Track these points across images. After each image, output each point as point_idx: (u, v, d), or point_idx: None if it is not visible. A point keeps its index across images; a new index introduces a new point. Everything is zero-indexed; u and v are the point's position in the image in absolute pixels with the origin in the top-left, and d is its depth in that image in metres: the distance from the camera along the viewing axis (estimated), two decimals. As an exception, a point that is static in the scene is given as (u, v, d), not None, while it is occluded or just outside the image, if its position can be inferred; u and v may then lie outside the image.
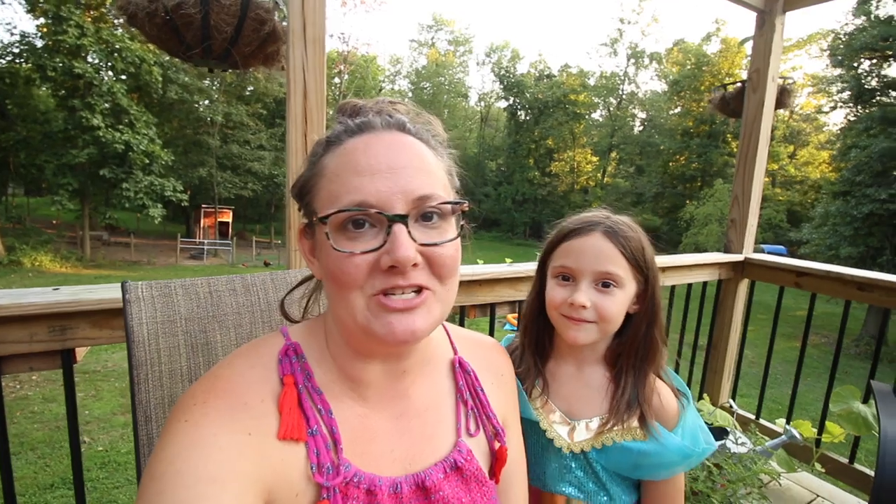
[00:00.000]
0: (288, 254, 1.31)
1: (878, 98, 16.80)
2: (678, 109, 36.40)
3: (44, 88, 21.00)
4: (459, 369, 0.76)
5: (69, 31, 18.01)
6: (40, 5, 18.14)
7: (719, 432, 1.63)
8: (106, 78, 19.96)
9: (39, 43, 19.33)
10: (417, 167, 0.59)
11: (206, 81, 26.00)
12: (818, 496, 1.89)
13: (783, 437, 1.75)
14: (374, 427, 0.65)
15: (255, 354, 0.63)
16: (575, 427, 0.92)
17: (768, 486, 1.72)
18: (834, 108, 21.52)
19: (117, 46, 19.61)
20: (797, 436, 1.72)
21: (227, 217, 29.02)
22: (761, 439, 1.65)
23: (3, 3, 21.30)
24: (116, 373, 7.97)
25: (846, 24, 17.88)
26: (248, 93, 29.44)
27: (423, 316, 0.58)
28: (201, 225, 28.13)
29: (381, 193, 0.56)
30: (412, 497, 0.62)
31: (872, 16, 16.67)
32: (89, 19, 18.73)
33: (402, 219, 0.56)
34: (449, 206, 0.61)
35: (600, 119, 44.60)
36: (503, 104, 45.71)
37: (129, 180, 20.36)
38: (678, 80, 35.11)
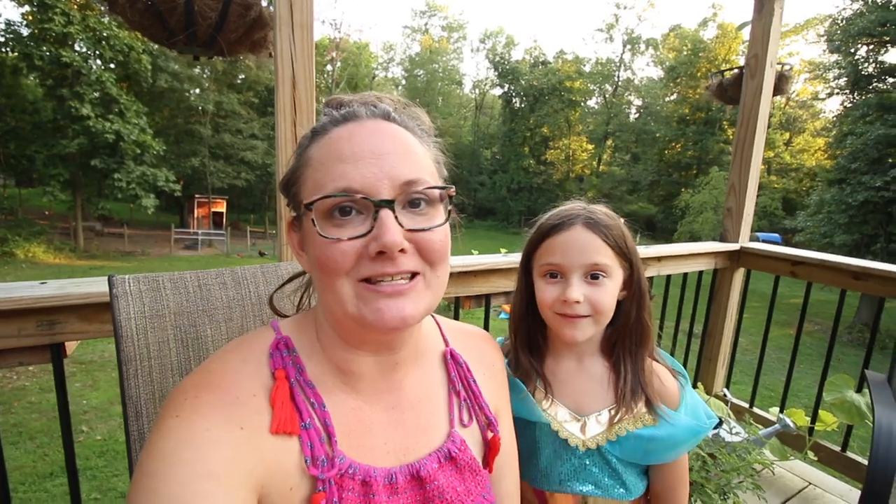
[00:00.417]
0: (279, 246, 1.29)
1: (874, 84, 16.78)
2: (674, 96, 36.31)
3: (31, 78, 20.63)
4: (451, 361, 0.77)
5: (55, 19, 17.69)
6: (25, -8, 17.77)
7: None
8: (94, 67, 19.68)
9: (25, 31, 18.98)
10: (402, 153, 0.59)
11: (197, 70, 25.66)
12: (810, 484, 1.92)
13: (776, 425, 1.76)
14: (367, 419, 0.65)
15: (247, 349, 0.63)
16: (585, 423, 0.91)
17: (761, 475, 1.74)
18: (830, 94, 21.53)
19: (105, 34, 19.30)
20: (790, 425, 1.73)
21: (221, 207, 28.82)
22: (755, 428, 1.66)
23: (-12, -9, 20.86)
24: (113, 363, 7.97)
25: (844, 8, 17.78)
26: (239, 81, 29.08)
27: (412, 301, 0.57)
28: (195, 215, 27.94)
29: (366, 179, 0.56)
30: (407, 487, 0.63)
31: (870, 0, 16.57)
32: (75, 7, 18.36)
33: (389, 204, 0.56)
34: (437, 193, 0.61)
35: (596, 106, 44.45)
36: (498, 91, 45.42)
37: (120, 170, 20.18)
38: (674, 67, 34.96)
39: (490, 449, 0.75)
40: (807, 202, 19.07)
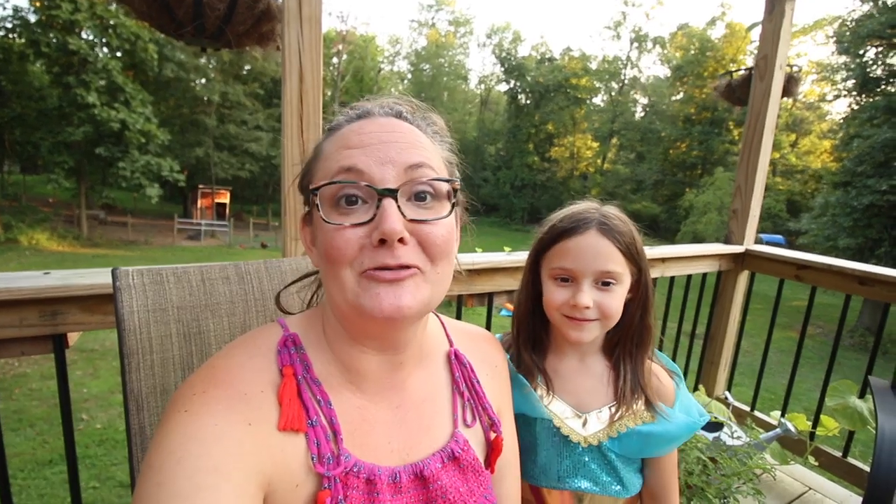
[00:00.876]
0: (283, 240, 1.28)
1: (882, 87, 16.59)
2: (680, 95, 36.07)
3: (38, 64, 20.63)
4: (455, 361, 0.77)
5: (62, 7, 17.68)
6: (32, -22, 17.76)
7: (715, 426, 1.63)
8: (101, 55, 19.67)
9: (33, 18, 18.97)
10: (410, 142, 0.60)
11: (203, 60, 25.59)
12: (810, 489, 1.91)
13: (777, 429, 1.76)
14: (372, 418, 0.65)
15: (254, 345, 0.63)
16: (587, 420, 0.92)
17: (762, 479, 1.74)
18: (838, 96, 21.37)
19: (112, 23, 19.28)
20: (791, 429, 1.72)
21: (225, 198, 28.85)
22: (756, 432, 1.66)
23: (-5, -24, 20.83)
24: (114, 352, 8.01)
25: (853, 10, 17.59)
26: (245, 72, 29.01)
27: (410, 292, 0.57)
28: (198, 205, 27.98)
29: (370, 161, 0.57)
30: (411, 486, 0.63)
31: (880, 2, 16.39)
32: (83, -7, 18.31)
33: (392, 193, 0.56)
34: (443, 188, 0.61)
35: (601, 104, 44.18)
36: (503, 87, 45.22)
37: (125, 159, 20.21)
38: (681, 66, 34.70)
39: (492, 450, 0.75)
40: (811, 204, 18.94)
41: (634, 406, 0.92)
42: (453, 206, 0.62)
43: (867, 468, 1.92)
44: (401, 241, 0.56)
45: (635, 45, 42.09)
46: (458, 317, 1.64)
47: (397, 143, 0.59)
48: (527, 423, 0.94)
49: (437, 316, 0.83)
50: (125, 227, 23.27)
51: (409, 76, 50.81)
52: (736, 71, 2.79)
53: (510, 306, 1.13)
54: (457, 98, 50.20)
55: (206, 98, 26.39)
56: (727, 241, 2.50)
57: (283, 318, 0.69)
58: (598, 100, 44.14)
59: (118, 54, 20.82)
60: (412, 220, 0.57)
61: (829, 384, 1.89)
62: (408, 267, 0.57)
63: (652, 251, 2.07)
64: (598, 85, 42.37)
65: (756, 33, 2.41)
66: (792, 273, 2.28)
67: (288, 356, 0.62)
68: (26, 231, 18.61)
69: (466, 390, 0.76)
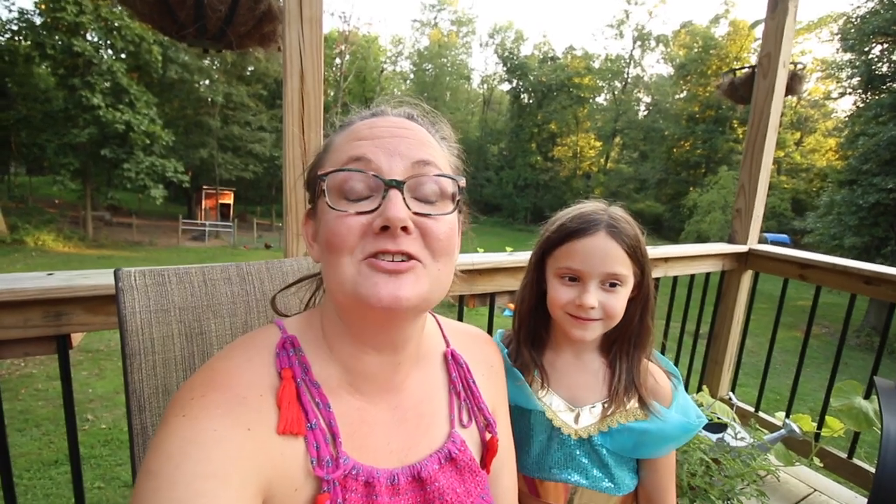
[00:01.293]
0: (285, 239, 1.29)
1: (888, 84, 16.47)
2: (684, 94, 35.93)
3: (43, 67, 20.75)
4: (452, 362, 0.77)
5: (67, 9, 17.76)
6: (38, -19, 17.87)
7: (718, 427, 1.63)
8: (105, 56, 19.75)
9: (38, 20, 19.07)
10: (420, 140, 0.62)
11: (207, 61, 25.68)
12: (815, 490, 1.90)
13: (782, 430, 1.75)
14: (371, 420, 0.65)
15: (252, 347, 0.63)
16: (579, 413, 0.94)
17: (766, 481, 1.73)
18: (843, 94, 21.17)
19: (116, 24, 19.36)
20: (796, 430, 1.71)
21: (229, 199, 28.94)
22: (760, 433, 1.65)
23: (0, -22, 20.98)
24: (119, 353, 8.05)
25: (858, 6, 17.46)
26: (248, 73, 29.07)
27: (409, 284, 0.56)
28: (202, 206, 28.09)
29: (379, 153, 0.58)
30: (409, 488, 0.63)
31: (886, -1, 16.27)
32: (88, -4, 18.42)
33: (399, 184, 0.57)
34: (449, 189, 0.62)
35: (604, 103, 44.07)
36: (506, 87, 45.14)
37: (130, 160, 20.29)
38: (685, 64, 34.57)
39: (488, 450, 0.76)
40: (817, 203, 18.84)
41: (627, 404, 0.93)
42: (457, 204, 0.63)
43: (873, 469, 1.90)
44: (404, 230, 0.56)
45: (638, 43, 41.98)
46: (461, 317, 1.64)
47: (407, 139, 0.61)
48: (521, 415, 0.96)
49: (434, 316, 0.83)
50: (130, 228, 23.37)
51: (412, 76, 50.83)
52: (739, 69, 2.78)
53: (513, 307, 1.13)
54: (459, 98, 50.21)
55: (209, 99, 26.48)
56: (731, 241, 2.49)
57: (281, 319, 0.69)
58: (601, 99, 44.07)
59: (122, 56, 20.91)
60: (416, 214, 0.58)
61: (834, 384, 1.87)
62: (408, 258, 0.57)
63: (655, 251, 2.07)
64: (600, 84, 42.26)
65: (759, 31, 2.40)
66: (796, 272, 2.27)
67: (286, 358, 0.62)
68: (32, 232, 18.72)
69: (463, 391, 0.76)
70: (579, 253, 0.90)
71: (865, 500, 1.71)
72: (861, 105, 17.96)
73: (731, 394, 2.09)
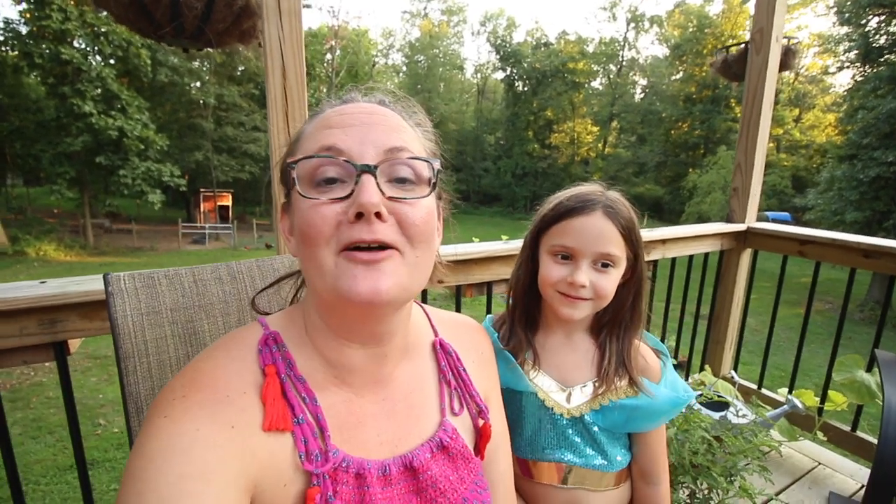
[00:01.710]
0: (277, 237, 1.28)
1: (886, 57, 16.32)
2: (680, 75, 35.67)
3: (33, 76, 20.64)
4: (441, 351, 0.77)
5: (53, 16, 17.61)
6: (22, -11, 17.70)
7: (720, 406, 1.63)
8: (94, 63, 19.61)
9: (24, 29, 18.93)
10: (392, 126, 0.61)
11: (196, 63, 25.52)
12: (819, 463, 1.91)
13: (785, 406, 1.75)
14: (359, 412, 0.64)
15: (234, 346, 0.62)
16: (571, 393, 0.95)
17: (769, 456, 1.73)
18: (841, 68, 20.99)
19: (103, 30, 19.20)
20: (799, 405, 1.71)
21: (227, 200, 28.89)
22: (763, 409, 1.65)
23: (-16, -11, 20.81)
24: (125, 359, 8.11)
25: (854, -21, 17.25)
26: (239, 73, 28.89)
27: (388, 275, 0.55)
28: (201, 209, 28.05)
29: (350, 141, 0.57)
30: (401, 478, 0.63)
31: (881, -31, 16.05)
32: (72, 2, 18.25)
33: (371, 169, 0.56)
34: (424, 173, 0.61)
35: (600, 87, 43.75)
36: (500, 75, 44.90)
37: (125, 167, 20.26)
38: (680, 44, 34.28)
39: (481, 436, 0.76)
40: (817, 179, 18.76)
41: (617, 383, 0.94)
42: (433, 187, 0.61)
43: (877, 441, 1.91)
44: (378, 216, 0.54)
45: (632, 25, 41.58)
46: (458, 308, 1.64)
47: (378, 125, 0.59)
48: (513, 397, 0.96)
49: (421, 306, 0.83)
50: (130, 234, 23.40)
51: (405, 68, 50.49)
52: (732, 46, 2.74)
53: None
54: (453, 88, 49.87)
55: (201, 101, 26.33)
56: (729, 220, 2.48)
57: (263, 317, 0.68)
58: (597, 83, 43.74)
59: (111, 62, 20.76)
60: (391, 198, 0.56)
61: (836, 359, 1.87)
62: (385, 247, 0.55)
63: (652, 232, 2.06)
64: (595, 68, 41.93)
65: (752, 7, 2.36)
66: (795, 249, 2.26)
67: (269, 355, 0.61)
68: (33, 243, 18.74)
69: (453, 379, 0.76)
70: (574, 231, 0.90)
71: (869, 471, 1.72)
72: (859, 79, 17.83)
73: (733, 372, 2.09)
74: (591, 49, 41.61)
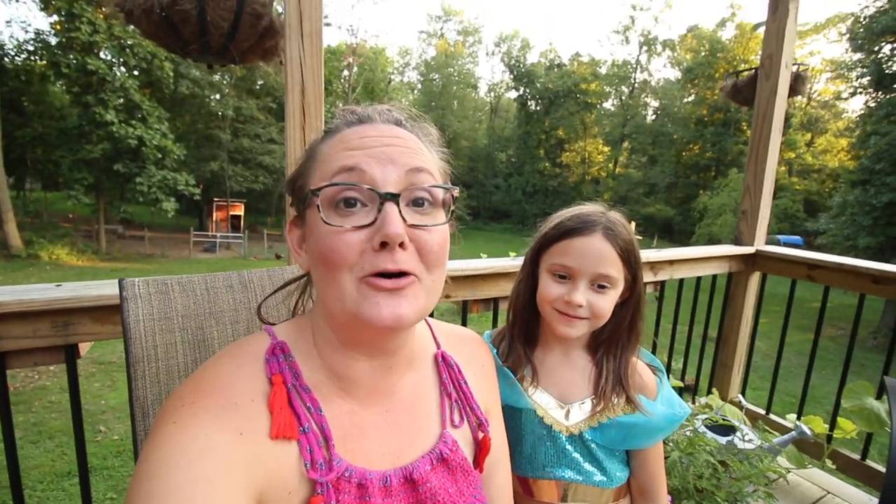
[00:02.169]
0: (288, 249, 1.31)
1: (899, 83, 16.27)
2: (692, 97, 35.76)
3: (58, 85, 21.29)
4: (443, 363, 0.77)
5: (82, 28, 18.22)
6: (53, 3, 18.34)
7: (727, 430, 1.60)
8: (118, 74, 20.19)
9: (53, 40, 19.59)
10: (411, 148, 0.62)
11: (217, 76, 26.13)
12: (828, 493, 1.86)
13: (793, 432, 1.72)
14: (363, 423, 0.65)
15: (241, 354, 0.63)
16: (569, 410, 0.96)
17: (776, 483, 1.70)
18: (853, 94, 20.96)
19: (129, 42, 19.80)
20: (807, 432, 1.68)
21: (239, 210, 29.25)
22: (769, 435, 1.62)
23: (18, 1, 21.59)
24: (131, 364, 8.12)
25: (866, 6, 17.32)
26: (258, 87, 29.52)
27: (409, 302, 0.57)
28: (214, 218, 28.41)
29: (373, 163, 0.58)
30: (401, 490, 0.63)
31: (895, -3, 16.12)
32: (101, 16, 18.88)
33: (394, 197, 0.57)
34: (440, 196, 0.62)
35: (612, 108, 43.97)
36: (513, 94, 45.33)
37: (142, 175, 20.66)
38: (692, 68, 34.45)
39: (481, 449, 0.76)
40: (829, 204, 18.57)
41: (615, 401, 0.95)
42: (450, 213, 0.63)
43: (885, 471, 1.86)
44: (401, 245, 0.56)
45: (644, 48, 41.93)
46: (465, 323, 1.64)
47: (399, 147, 0.60)
48: (514, 414, 0.97)
49: (425, 319, 0.83)
50: (142, 241, 23.71)
51: (419, 86, 51.21)
52: (742, 71, 2.77)
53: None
54: (467, 106, 50.41)
55: (220, 113, 26.88)
56: (737, 242, 2.47)
57: (271, 326, 0.69)
58: (609, 104, 43.99)
59: (135, 73, 21.36)
60: (411, 226, 0.58)
61: (845, 386, 1.84)
62: (406, 274, 0.57)
63: (660, 253, 2.06)
64: (607, 89, 42.24)
65: (763, 32, 2.39)
66: (804, 273, 2.24)
67: (276, 364, 0.62)
68: (47, 247, 19.05)
69: (454, 391, 0.76)
70: (574, 251, 0.92)
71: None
72: (872, 104, 17.75)
73: (740, 396, 2.06)
74: (603, 71, 41.97)
